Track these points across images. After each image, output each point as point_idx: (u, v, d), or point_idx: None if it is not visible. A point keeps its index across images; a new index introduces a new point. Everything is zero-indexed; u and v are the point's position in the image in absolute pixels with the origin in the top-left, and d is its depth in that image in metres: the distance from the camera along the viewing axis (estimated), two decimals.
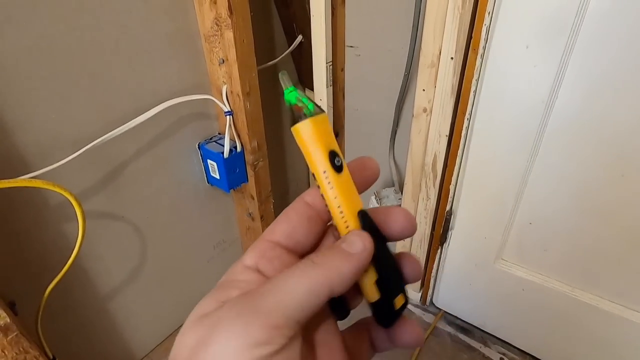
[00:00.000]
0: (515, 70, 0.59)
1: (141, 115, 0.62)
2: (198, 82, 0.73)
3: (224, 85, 0.72)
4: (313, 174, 0.18)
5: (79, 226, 0.53)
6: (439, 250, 0.85)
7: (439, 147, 0.72)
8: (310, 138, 0.17)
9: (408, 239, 0.89)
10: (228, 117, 0.74)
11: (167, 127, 0.70)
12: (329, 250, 0.17)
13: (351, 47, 0.87)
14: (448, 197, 0.77)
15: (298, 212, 0.19)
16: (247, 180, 0.83)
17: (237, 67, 0.67)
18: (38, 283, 0.57)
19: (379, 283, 0.18)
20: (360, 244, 0.17)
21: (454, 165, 0.73)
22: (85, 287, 0.67)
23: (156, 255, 0.77)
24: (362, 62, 0.87)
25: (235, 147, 0.77)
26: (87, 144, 0.57)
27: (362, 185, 0.19)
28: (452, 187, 0.75)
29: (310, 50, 0.87)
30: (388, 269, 0.18)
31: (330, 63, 0.85)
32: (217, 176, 0.79)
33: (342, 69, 0.91)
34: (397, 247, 0.91)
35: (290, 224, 0.19)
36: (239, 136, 0.77)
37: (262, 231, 0.88)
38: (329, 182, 0.17)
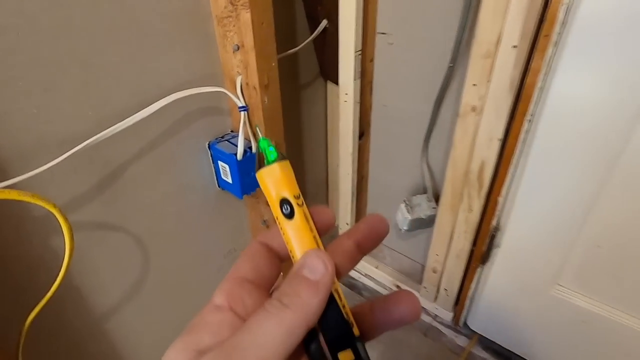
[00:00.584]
0: (601, 63, 0.47)
1: (142, 111, 0.53)
2: (208, 73, 0.63)
3: (239, 76, 0.62)
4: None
5: (66, 244, 0.44)
6: (479, 269, 0.75)
7: (489, 152, 0.61)
8: (263, 186, 0.18)
9: (442, 255, 0.79)
10: (242, 113, 0.64)
11: (172, 124, 0.61)
12: (294, 284, 0.16)
13: (383, 34, 0.76)
14: (495, 211, 0.66)
15: (258, 250, 0.19)
16: None
17: (254, 55, 0.57)
18: (22, 305, 0.49)
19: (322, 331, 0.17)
20: (321, 267, 0.16)
21: (506, 175, 0.62)
22: (78, 306, 0.59)
23: (159, 268, 0.68)
24: (395, 51, 0.76)
25: (250, 148, 0.67)
26: (78, 145, 0.48)
27: (321, 231, 0.19)
28: (501, 200, 0.64)
29: (336, 38, 0.76)
30: (327, 322, 0.17)
31: (360, 52, 0.74)
32: (229, 180, 0.69)
33: (372, 60, 0.80)
34: (429, 261, 0.81)
35: (253, 261, 0.19)
36: (254, 135, 0.67)
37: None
38: (280, 228, 0.18)
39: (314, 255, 0.17)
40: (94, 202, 0.55)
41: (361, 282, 1.00)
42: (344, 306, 0.18)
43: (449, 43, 0.67)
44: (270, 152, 0.18)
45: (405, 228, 0.85)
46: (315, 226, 0.19)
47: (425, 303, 0.91)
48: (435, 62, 0.71)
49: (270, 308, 0.16)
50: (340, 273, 0.18)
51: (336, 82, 0.88)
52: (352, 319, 0.18)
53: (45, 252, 0.51)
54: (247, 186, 0.70)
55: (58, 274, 0.46)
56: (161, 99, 0.55)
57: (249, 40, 0.57)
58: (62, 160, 0.47)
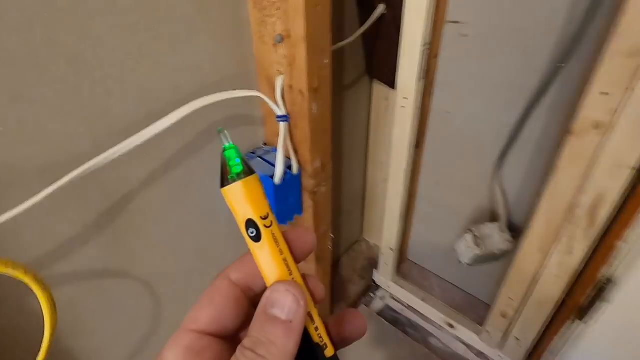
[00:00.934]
0: None
1: (155, 124, 0.39)
2: (238, 71, 0.49)
3: (279, 77, 0.48)
4: None
5: (45, 320, 0.31)
6: (570, 323, 0.60)
7: (612, 183, 0.46)
8: (229, 204, 0.16)
9: (518, 300, 0.64)
10: (282, 124, 0.50)
11: (192, 139, 0.47)
12: (266, 328, 0.15)
13: (455, 22, 0.61)
14: (609, 258, 0.50)
15: (222, 294, 0.17)
16: (302, 212, 0.59)
17: (305, 49, 0.42)
18: None
19: None
20: (291, 303, 0.15)
21: (635, 214, 0.46)
22: None
23: (174, 317, 0.55)
24: (469, 45, 0.61)
25: (290, 167, 0.53)
26: (66, 174, 0.34)
27: (299, 256, 0.18)
28: (621, 245, 0.49)
29: (394, 27, 0.61)
30: (298, 352, 0.16)
31: (428, 46, 0.58)
32: None
33: (436, 55, 0.64)
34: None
35: (215, 309, 0.17)
36: (296, 152, 0.53)
37: (317, 276, 0.63)
38: (250, 251, 0.17)
39: (282, 289, 0.16)
40: (89, 245, 0.41)
41: (405, 317, 0.86)
42: (316, 328, 0.17)
43: (550, 35, 0.51)
44: (235, 165, 0.16)
45: (467, 262, 0.70)
46: (293, 250, 0.17)
47: (484, 348, 0.77)
48: (527, 60, 0.55)
49: None
50: (316, 300, 0.17)
51: (386, 81, 0.73)
52: (326, 338, 0.17)
53: (21, 318, 0.38)
54: (285, 214, 0.56)
55: (40, 348, 0.32)
56: (179, 108, 0.40)
57: (298, 29, 0.42)
58: (45, 197, 0.33)
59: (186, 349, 0.15)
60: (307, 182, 0.55)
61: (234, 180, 0.16)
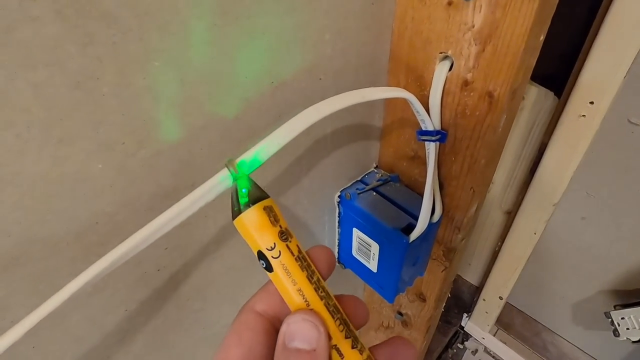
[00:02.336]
0: None
1: (264, 143, 0.19)
2: (365, 51, 0.28)
3: (443, 64, 0.27)
4: None
5: None
6: None
7: None
8: (243, 237, 0.15)
9: None
10: (432, 145, 0.29)
11: (288, 167, 0.27)
12: None
13: None
14: None
15: (251, 328, 0.15)
16: (424, 273, 0.39)
17: (534, 9, 0.21)
18: None
19: None
20: (311, 331, 0.14)
21: None
22: None
23: None
24: None
25: (433, 209, 0.32)
26: (89, 263, 0.15)
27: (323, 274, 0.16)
28: None
29: None
30: None
31: None
32: (372, 266, 0.35)
33: None
34: None
35: (244, 346, 0.14)
36: (441, 188, 0.32)
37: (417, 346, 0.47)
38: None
39: (299, 319, 0.14)
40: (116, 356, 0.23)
41: None
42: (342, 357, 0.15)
43: None
44: (242, 196, 0.15)
45: (634, 340, 0.49)
46: (318, 269, 0.15)
47: None
48: None
49: None
50: (359, 324, 0.16)
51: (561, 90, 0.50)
52: None
53: None
54: (406, 282, 0.36)
55: None
56: (279, 116, 0.20)
57: None
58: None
59: None
60: (449, 236, 0.34)
61: (240, 213, 0.14)
